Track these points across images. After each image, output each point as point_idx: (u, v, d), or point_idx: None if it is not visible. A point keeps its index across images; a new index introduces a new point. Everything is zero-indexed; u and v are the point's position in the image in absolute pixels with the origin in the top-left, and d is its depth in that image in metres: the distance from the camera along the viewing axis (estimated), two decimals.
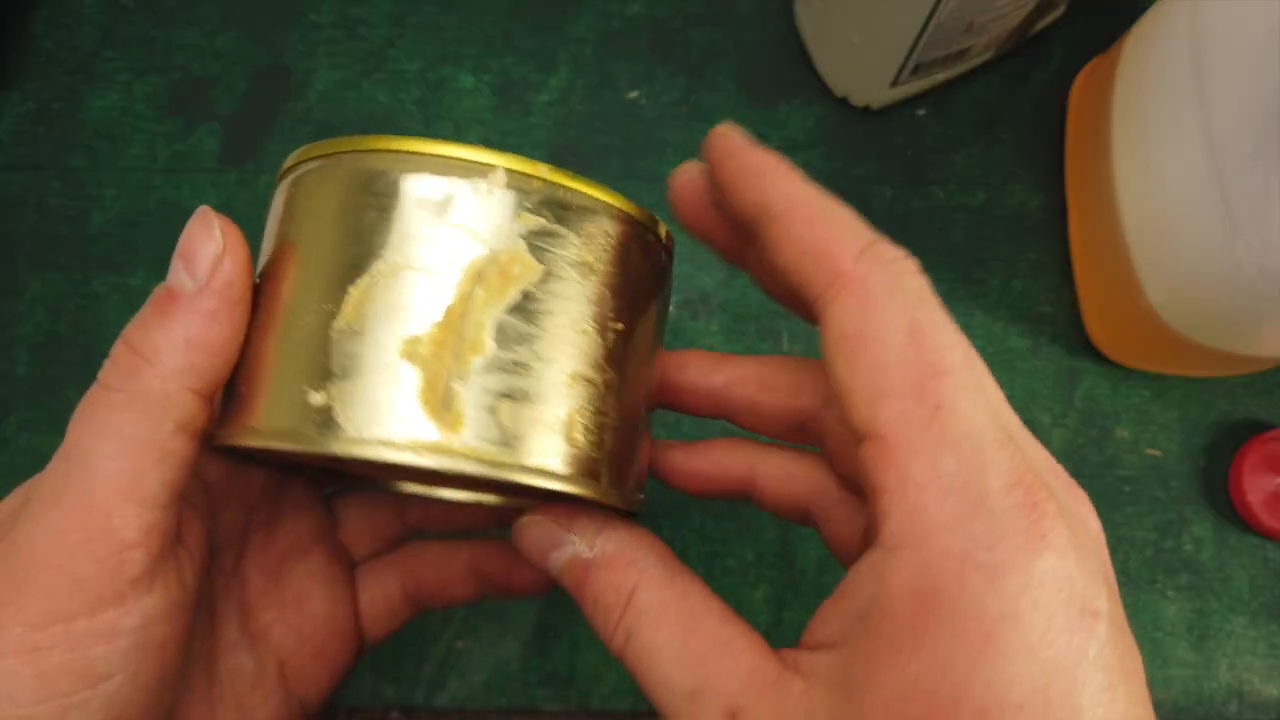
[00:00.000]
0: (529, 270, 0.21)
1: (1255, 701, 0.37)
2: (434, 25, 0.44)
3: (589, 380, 0.21)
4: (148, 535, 0.21)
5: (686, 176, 0.24)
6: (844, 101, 0.42)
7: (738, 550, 0.38)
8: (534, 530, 0.23)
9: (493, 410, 0.20)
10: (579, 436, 0.21)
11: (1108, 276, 0.38)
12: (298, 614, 0.28)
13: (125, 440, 0.20)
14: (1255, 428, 0.39)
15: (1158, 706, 0.37)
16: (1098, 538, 0.19)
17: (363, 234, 0.20)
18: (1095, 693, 0.16)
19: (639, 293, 0.23)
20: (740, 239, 0.24)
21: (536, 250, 0.21)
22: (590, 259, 0.22)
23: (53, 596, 0.20)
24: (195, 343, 0.21)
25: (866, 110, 0.42)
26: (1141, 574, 0.38)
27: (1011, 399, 0.40)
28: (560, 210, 0.21)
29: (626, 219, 0.22)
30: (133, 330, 0.21)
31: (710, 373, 0.27)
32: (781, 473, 0.26)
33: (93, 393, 0.21)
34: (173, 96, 0.43)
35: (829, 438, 0.26)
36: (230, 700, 0.26)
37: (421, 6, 0.44)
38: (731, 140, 0.22)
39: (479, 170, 0.21)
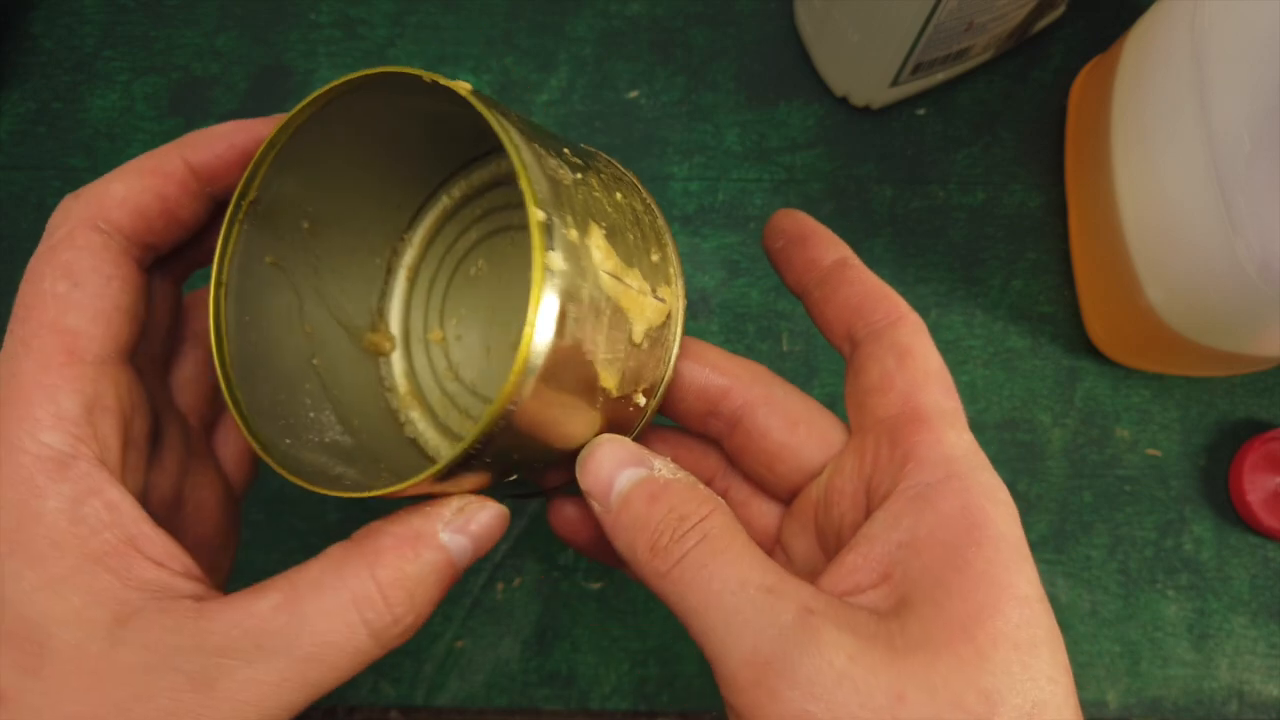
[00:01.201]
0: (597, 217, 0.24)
1: (1255, 701, 0.37)
2: (434, 25, 0.44)
3: None
4: None
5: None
6: (844, 101, 0.42)
7: None
8: (615, 447, 0.25)
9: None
10: None
11: (1108, 276, 0.38)
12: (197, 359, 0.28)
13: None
14: (1255, 428, 0.39)
15: (1158, 706, 0.37)
16: None
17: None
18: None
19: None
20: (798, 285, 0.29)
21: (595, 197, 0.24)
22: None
23: None
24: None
25: (866, 110, 0.42)
26: (1141, 574, 0.38)
27: (1011, 399, 0.41)
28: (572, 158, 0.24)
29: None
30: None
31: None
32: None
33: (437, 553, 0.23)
34: (173, 96, 0.43)
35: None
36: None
37: (421, 6, 0.44)
38: (803, 217, 0.29)
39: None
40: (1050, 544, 0.39)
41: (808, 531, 0.27)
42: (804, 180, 0.42)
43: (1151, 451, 0.39)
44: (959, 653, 0.21)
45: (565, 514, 0.29)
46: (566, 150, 0.25)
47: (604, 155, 0.28)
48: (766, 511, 0.29)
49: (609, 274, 0.24)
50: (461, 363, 0.31)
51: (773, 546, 0.29)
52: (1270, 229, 0.29)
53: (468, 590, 0.38)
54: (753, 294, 0.41)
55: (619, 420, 0.25)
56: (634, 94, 0.43)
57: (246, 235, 0.26)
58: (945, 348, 0.40)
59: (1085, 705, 0.37)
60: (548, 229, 0.22)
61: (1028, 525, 0.39)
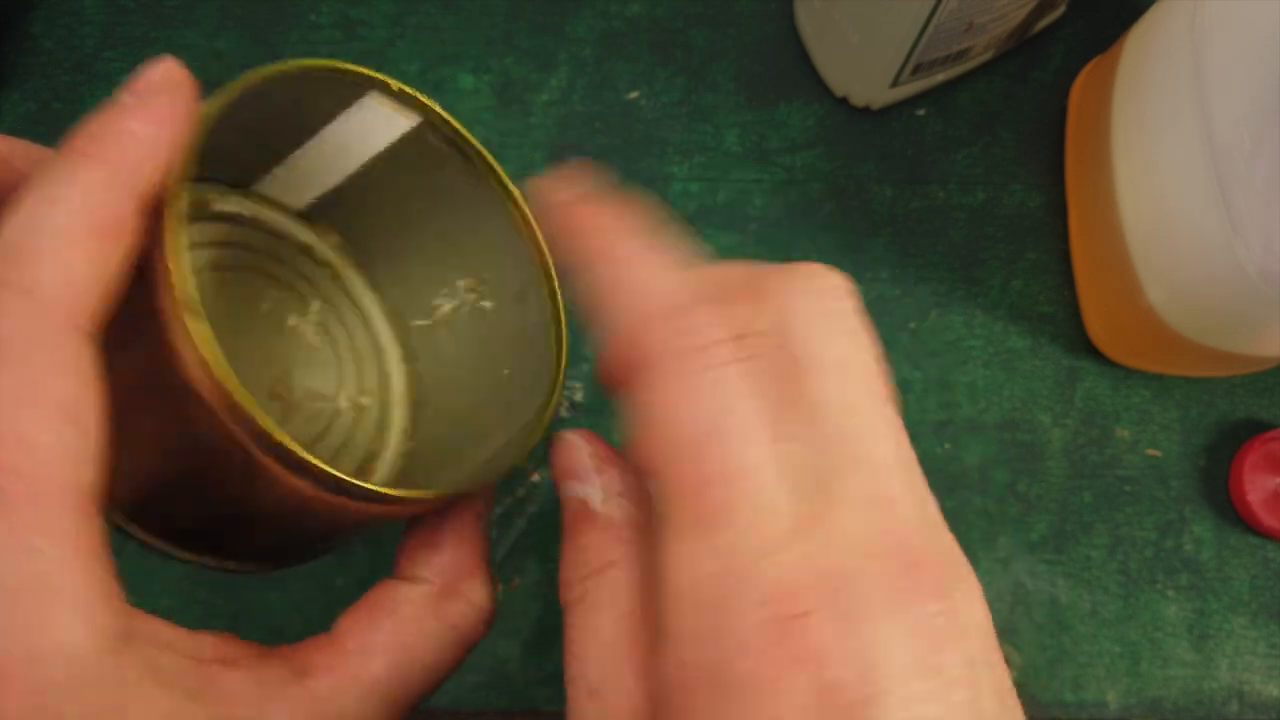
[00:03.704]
0: None
1: (1255, 701, 0.37)
2: (434, 25, 0.44)
3: None
4: None
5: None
6: (844, 101, 0.42)
7: None
8: (573, 453, 0.22)
9: None
10: None
11: (1108, 276, 0.38)
12: None
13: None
14: (1255, 428, 0.39)
15: (1158, 706, 0.37)
16: (974, 619, 0.17)
17: None
18: None
19: None
20: None
21: None
22: None
23: None
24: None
25: (866, 110, 0.42)
26: (1141, 574, 0.38)
27: (1011, 399, 0.41)
28: None
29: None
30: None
31: None
32: None
33: None
34: None
35: None
36: None
37: (421, 6, 0.44)
38: (549, 193, 0.22)
39: None
40: (1050, 544, 0.39)
41: None
42: (804, 180, 0.42)
43: (1151, 452, 0.39)
44: None
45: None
46: None
47: None
48: None
49: None
50: None
51: None
52: (1270, 229, 0.29)
53: None
54: None
55: None
56: (634, 94, 0.43)
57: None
58: (945, 348, 0.40)
59: (1085, 705, 0.37)
60: None
61: (1028, 525, 0.39)
